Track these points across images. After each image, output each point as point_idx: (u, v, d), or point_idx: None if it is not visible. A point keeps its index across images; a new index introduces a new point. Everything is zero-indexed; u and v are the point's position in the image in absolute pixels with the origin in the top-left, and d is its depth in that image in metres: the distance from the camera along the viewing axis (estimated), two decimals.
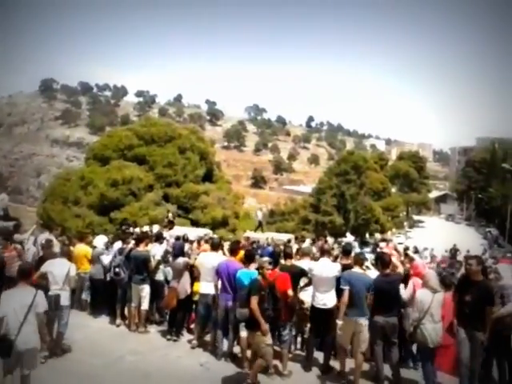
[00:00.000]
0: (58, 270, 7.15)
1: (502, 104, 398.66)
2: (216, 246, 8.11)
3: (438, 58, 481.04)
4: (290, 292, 6.51)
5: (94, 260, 9.65)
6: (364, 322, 6.47)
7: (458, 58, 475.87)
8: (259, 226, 25.68)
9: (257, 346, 6.00)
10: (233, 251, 7.67)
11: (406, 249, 12.76)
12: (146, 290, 8.48)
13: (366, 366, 6.99)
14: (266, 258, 6.44)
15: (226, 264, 7.25)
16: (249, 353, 6.67)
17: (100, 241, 10.45)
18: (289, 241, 16.59)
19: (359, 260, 6.89)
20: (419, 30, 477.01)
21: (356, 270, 6.69)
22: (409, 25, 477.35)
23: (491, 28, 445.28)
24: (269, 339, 6.03)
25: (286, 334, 6.77)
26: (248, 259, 7.03)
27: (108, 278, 9.29)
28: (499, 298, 6.58)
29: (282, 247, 10.75)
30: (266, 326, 5.88)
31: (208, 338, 7.92)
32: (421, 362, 6.60)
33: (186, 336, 8.31)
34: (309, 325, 7.41)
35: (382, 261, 6.75)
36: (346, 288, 6.43)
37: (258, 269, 6.57)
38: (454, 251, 22.81)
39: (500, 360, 6.81)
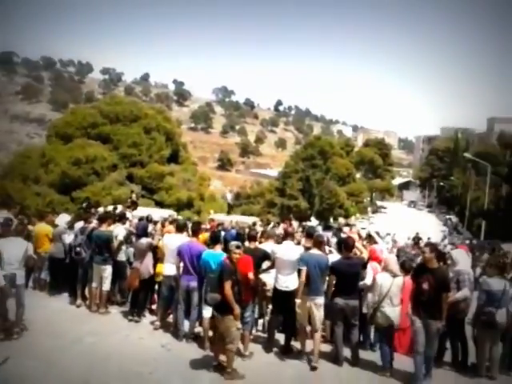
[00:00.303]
0: (13, 249, 6.90)
1: (467, 95, 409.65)
2: (181, 228, 8.02)
3: (408, 47, 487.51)
4: (251, 275, 6.54)
5: (56, 239, 9.42)
6: (318, 301, 6.63)
7: (427, 48, 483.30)
8: (230, 208, 25.67)
9: (226, 330, 5.97)
10: (194, 232, 7.60)
11: (369, 234, 12.94)
12: (108, 270, 8.37)
13: (326, 348, 7.14)
14: (234, 242, 6.42)
15: (188, 245, 7.19)
16: (211, 334, 6.71)
17: (62, 219, 10.18)
18: (254, 224, 16.62)
19: (317, 241, 6.99)
20: (387, 16, 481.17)
21: (314, 251, 6.79)
22: (377, 12, 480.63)
23: (474, 23, 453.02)
24: (239, 323, 6.07)
25: (248, 315, 6.80)
26: (213, 241, 7.00)
27: (68, 258, 9.11)
28: (455, 282, 6.77)
29: (246, 230, 10.79)
30: (238, 311, 5.90)
31: (170, 319, 7.89)
32: (379, 343, 6.79)
33: (148, 317, 8.26)
34: (270, 306, 7.48)
35: (345, 244, 6.86)
36: (304, 268, 6.55)
37: (225, 251, 6.57)
38: (416, 239, 23.18)
39: (453, 343, 7.07)
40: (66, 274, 9.27)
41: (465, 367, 6.87)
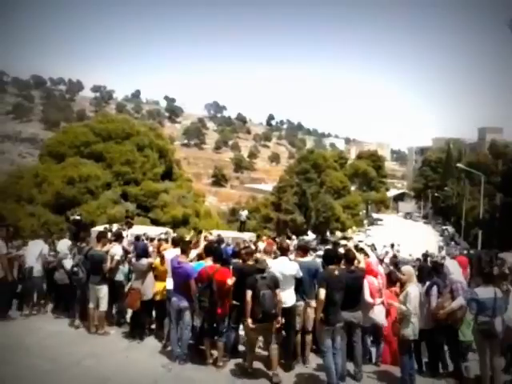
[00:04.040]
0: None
1: (458, 105, 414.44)
2: (177, 243, 8.01)
3: (398, 61, 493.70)
4: (230, 281, 6.64)
5: (58, 265, 9.32)
6: (312, 303, 6.99)
7: (418, 61, 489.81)
8: (242, 226, 25.45)
9: (270, 335, 6.41)
10: (183, 251, 7.38)
11: (356, 246, 12.64)
12: (103, 290, 8.24)
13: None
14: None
15: (178, 266, 7.08)
16: (215, 353, 6.83)
17: (64, 245, 10.00)
18: (244, 241, 16.43)
19: (305, 249, 7.46)
20: (382, 28, 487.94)
21: (304, 259, 7.18)
22: (371, 22, 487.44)
23: (465, 29, 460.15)
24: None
25: (223, 327, 6.88)
26: (206, 253, 7.22)
27: (63, 281, 9.02)
28: (449, 292, 6.75)
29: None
30: None
31: None
32: (400, 354, 6.63)
33: (148, 338, 8.11)
34: None
35: (346, 257, 6.81)
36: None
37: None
38: (425, 257, 23.02)
39: (452, 353, 6.99)
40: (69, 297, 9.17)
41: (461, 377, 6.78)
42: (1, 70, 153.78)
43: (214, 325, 6.85)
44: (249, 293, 6.36)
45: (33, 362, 6.80)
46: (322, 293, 6.12)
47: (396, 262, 12.97)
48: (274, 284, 6.37)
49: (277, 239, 15.28)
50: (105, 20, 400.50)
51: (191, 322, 7.02)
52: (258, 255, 7.14)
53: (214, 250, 7.26)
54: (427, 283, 7.06)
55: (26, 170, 34.08)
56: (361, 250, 9.51)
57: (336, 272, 6.36)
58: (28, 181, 30.55)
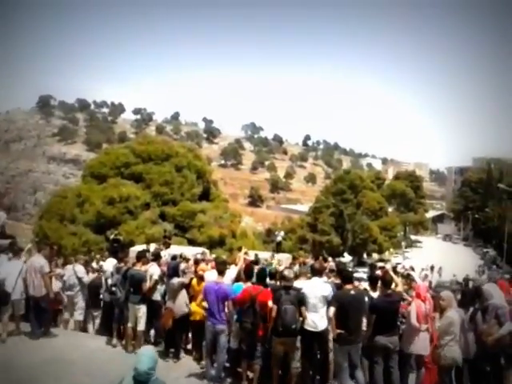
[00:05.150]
0: None
1: (498, 124, 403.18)
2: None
3: (437, 78, 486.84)
4: (270, 303, 6.51)
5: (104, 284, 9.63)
6: None
7: (455, 78, 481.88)
8: (278, 247, 25.47)
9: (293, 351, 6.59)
10: (220, 273, 7.43)
11: (395, 268, 12.34)
12: (142, 310, 8.38)
13: None
14: None
15: (215, 286, 7.09)
16: (251, 375, 6.83)
17: (110, 264, 10.21)
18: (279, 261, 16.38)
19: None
20: (420, 45, 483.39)
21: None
22: (411, 39, 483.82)
23: (496, 43, 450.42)
24: None
25: (260, 350, 6.79)
26: (248, 276, 7.25)
27: (108, 299, 9.24)
28: (494, 317, 6.48)
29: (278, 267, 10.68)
30: None
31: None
32: (440, 382, 6.49)
33: (184, 358, 8.21)
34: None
35: (383, 281, 6.72)
36: None
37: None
38: (466, 281, 22.33)
39: (496, 378, 6.72)
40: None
41: None
42: (48, 93, 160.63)
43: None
44: (274, 307, 6.40)
45: (79, 377, 7.01)
46: (331, 311, 6.23)
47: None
48: (298, 301, 6.41)
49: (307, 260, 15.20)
50: (145, 45, 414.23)
51: (227, 345, 7.06)
52: (285, 272, 6.98)
53: (257, 273, 7.24)
54: (471, 309, 6.87)
55: (69, 190, 35.13)
56: (407, 277, 9.31)
57: (352, 292, 6.31)
58: (71, 201, 31.46)
